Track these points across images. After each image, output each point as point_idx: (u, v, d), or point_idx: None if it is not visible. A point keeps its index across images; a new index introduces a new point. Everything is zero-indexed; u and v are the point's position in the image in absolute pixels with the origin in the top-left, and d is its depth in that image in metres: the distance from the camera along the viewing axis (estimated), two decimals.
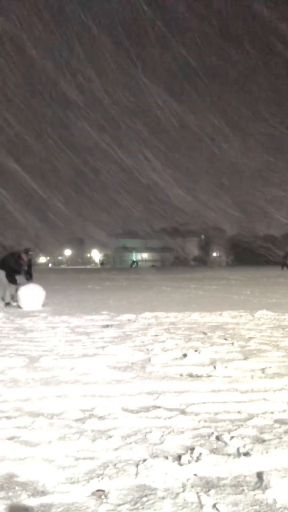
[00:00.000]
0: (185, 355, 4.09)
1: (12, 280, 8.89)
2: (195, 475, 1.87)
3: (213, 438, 2.24)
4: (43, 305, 8.63)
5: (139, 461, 1.98)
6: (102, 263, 71.87)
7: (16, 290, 8.71)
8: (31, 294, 8.50)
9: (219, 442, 2.19)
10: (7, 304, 8.90)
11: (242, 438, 2.22)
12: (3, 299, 9.11)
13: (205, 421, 2.47)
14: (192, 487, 1.77)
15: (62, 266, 71.92)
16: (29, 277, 9.08)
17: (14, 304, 8.76)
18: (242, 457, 1.99)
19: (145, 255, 76.68)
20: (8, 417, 2.52)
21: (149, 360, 3.97)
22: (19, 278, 9.01)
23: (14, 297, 8.82)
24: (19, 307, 8.50)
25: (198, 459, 1.98)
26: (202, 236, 79.28)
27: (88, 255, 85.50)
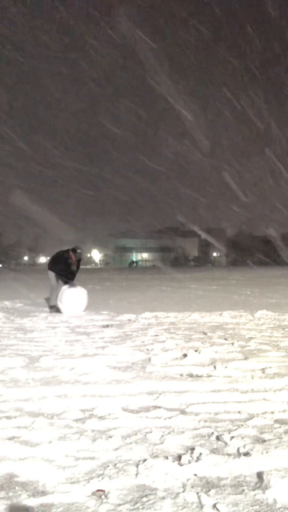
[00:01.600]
0: (185, 355, 4.09)
1: (65, 280, 8.04)
2: (195, 475, 1.87)
3: (213, 438, 2.24)
4: (84, 310, 7.94)
5: (139, 461, 1.98)
6: (106, 263, 71.82)
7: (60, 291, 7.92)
8: (74, 298, 7.80)
9: (219, 442, 2.19)
10: (52, 307, 8.07)
11: (242, 438, 2.22)
12: (48, 302, 8.35)
13: (205, 421, 2.47)
14: (192, 487, 1.77)
15: None
16: (72, 279, 8.20)
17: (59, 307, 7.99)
18: (242, 457, 1.99)
19: (145, 255, 76.68)
20: (8, 417, 2.52)
21: (149, 360, 3.97)
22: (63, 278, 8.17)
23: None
24: (58, 311, 7.82)
25: (198, 459, 1.98)
26: (202, 236, 79.25)
27: (88, 255, 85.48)
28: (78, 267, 8.44)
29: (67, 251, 8.38)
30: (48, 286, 8.43)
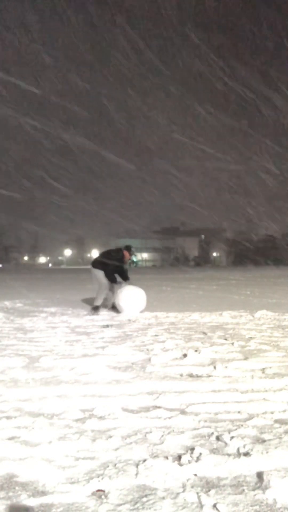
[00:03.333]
0: (185, 355, 4.09)
1: (114, 279, 7.75)
2: (195, 475, 1.87)
3: (213, 438, 2.24)
4: (142, 311, 7.62)
5: (139, 461, 1.98)
6: None
7: (112, 293, 7.74)
8: (133, 298, 7.51)
9: (219, 442, 2.19)
10: (96, 308, 7.64)
11: (242, 438, 2.22)
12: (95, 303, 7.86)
13: (205, 421, 2.47)
14: (192, 487, 1.77)
15: (62, 266, 71.96)
16: (127, 279, 7.90)
17: (105, 309, 7.81)
18: (242, 457, 1.99)
19: (145, 255, 76.77)
20: (8, 417, 2.52)
21: (149, 360, 3.97)
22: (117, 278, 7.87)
23: (105, 302, 7.85)
24: (116, 311, 7.60)
25: (198, 459, 1.98)
26: (202, 236, 79.35)
27: (88, 255, 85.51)
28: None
29: (119, 249, 8.03)
30: (93, 286, 8.04)
